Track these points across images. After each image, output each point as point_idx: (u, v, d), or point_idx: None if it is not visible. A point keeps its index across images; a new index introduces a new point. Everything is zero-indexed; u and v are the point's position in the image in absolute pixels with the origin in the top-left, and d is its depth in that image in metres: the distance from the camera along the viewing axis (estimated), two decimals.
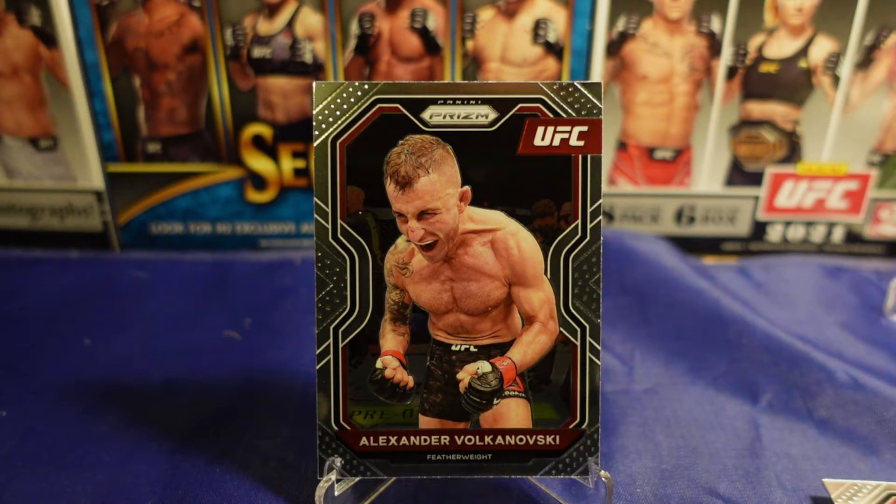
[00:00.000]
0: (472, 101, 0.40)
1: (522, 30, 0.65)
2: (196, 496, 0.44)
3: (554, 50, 0.66)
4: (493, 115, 0.40)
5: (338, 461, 0.41)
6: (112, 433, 0.49)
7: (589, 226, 0.40)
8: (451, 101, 0.40)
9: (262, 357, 0.57)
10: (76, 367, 0.55)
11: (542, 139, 0.40)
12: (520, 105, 0.40)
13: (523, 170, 0.40)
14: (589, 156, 0.40)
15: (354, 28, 0.65)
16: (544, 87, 0.40)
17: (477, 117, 0.40)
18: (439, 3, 0.64)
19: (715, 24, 0.65)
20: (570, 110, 0.40)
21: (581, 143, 0.40)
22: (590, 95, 0.40)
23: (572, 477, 0.42)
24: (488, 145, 0.40)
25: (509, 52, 0.66)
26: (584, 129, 0.40)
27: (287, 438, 0.48)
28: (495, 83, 0.40)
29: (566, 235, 0.40)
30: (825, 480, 0.44)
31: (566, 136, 0.40)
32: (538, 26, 0.65)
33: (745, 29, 0.65)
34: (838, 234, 0.73)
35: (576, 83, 0.40)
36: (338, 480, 0.41)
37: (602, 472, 0.40)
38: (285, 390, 0.53)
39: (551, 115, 0.40)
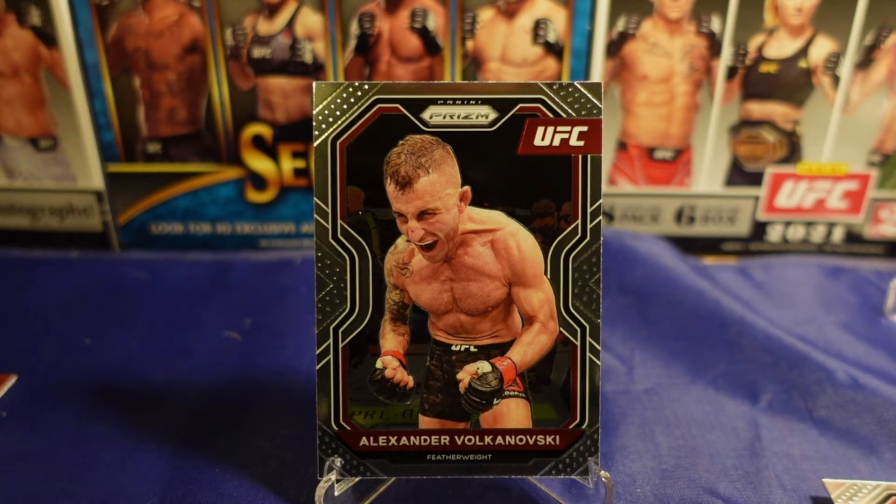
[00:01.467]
0: (472, 102, 0.40)
1: (522, 30, 0.65)
2: (196, 496, 0.44)
3: (554, 50, 0.66)
4: (493, 115, 0.40)
5: (338, 461, 0.41)
6: (112, 433, 0.49)
7: (589, 226, 0.40)
8: (451, 102, 0.40)
9: (263, 357, 0.57)
10: (76, 367, 0.55)
11: (542, 139, 0.40)
12: (520, 105, 0.40)
13: (523, 170, 0.40)
14: (589, 156, 0.40)
15: (354, 28, 0.65)
16: (544, 88, 0.40)
17: (477, 117, 0.40)
18: (439, 3, 0.64)
19: (715, 24, 0.65)
20: (570, 110, 0.40)
21: (581, 143, 0.40)
22: (590, 95, 0.40)
23: (572, 477, 0.42)
24: (488, 145, 0.40)
25: (509, 52, 0.66)
26: (584, 129, 0.40)
27: (287, 438, 0.48)
28: (495, 83, 0.40)
29: (566, 235, 0.40)
30: (825, 480, 0.44)
31: (566, 136, 0.40)
32: (538, 26, 0.65)
33: (745, 29, 0.65)
34: (838, 234, 0.73)
35: (576, 83, 0.40)
36: (338, 480, 0.41)
37: (602, 472, 0.40)
38: (285, 390, 0.53)
39: (551, 116, 0.40)
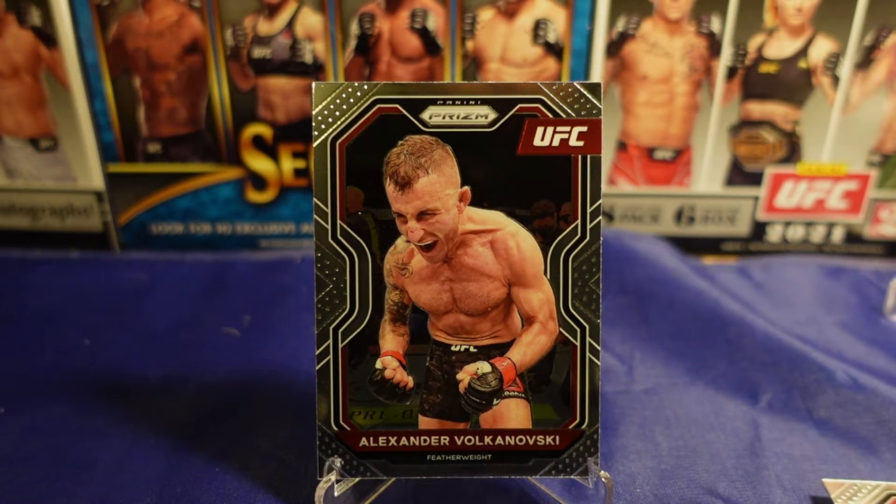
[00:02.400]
0: (471, 102, 0.40)
1: (522, 30, 0.65)
2: (195, 496, 0.44)
3: (554, 50, 0.66)
4: (492, 115, 0.40)
5: (338, 462, 0.41)
6: (111, 432, 0.49)
7: (589, 226, 0.40)
8: (450, 102, 0.40)
9: (263, 357, 0.57)
10: (76, 367, 0.55)
11: (542, 139, 0.40)
12: (519, 105, 0.40)
13: (523, 170, 0.40)
14: (588, 156, 0.40)
15: (354, 28, 0.65)
16: (544, 88, 0.40)
17: (476, 118, 0.40)
18: (439, 3, 0.64)
19: (715, 25, 0.65)
20: (569, 110, 0.40)
21: (580, 144, 0.40)
22: (589, 96, 0.40)
23: (572, 477, 0.42)
24: (488, 145, 0.40)
25: (509, 52, 0.66)
26: (584, 129, 0.40)
27: (287, 438, 0.48)
28: (495, 83, 0.40)
29: (566, 236, 0.40)
30: (825, 480, 0.44)
31: (566, 136, 0.40)
32: (538, 26, 0.65)
33: (744, 29, 0.65)
34: (838, 235, 0.73)
35: (575, 83, 0.40)
36: (337, 481, 0.41)
37: (602, 473, 0.40)
38: (285, 390, 0.53)
39: (551, 116, 0.40)
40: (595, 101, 0.40)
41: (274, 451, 0.47)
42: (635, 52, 0.66)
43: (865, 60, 0.66)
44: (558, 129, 0.40)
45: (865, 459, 0.48)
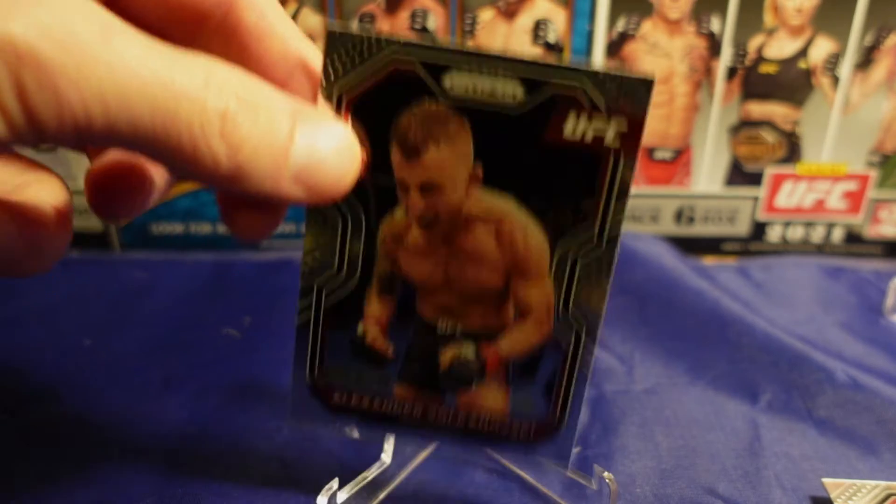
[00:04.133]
0: (500, 74, 0.34)
1: (522, 30, 0.65)
2: (195, 496, 0.44)
3: (554, 50, 0.66)
4: (521, 95, 0.34)
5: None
6: (111, 431, 0.49)
7: (607, 229, 0.37)
8: (476, 70, 0.34)
9: (263, 357, 0.57)
10: (76, 367, 0.55)
11: (574, 132, 0.35)
12: (555, 90, 0.34)
13: (546, 160, 0.35)
14: (622, 158, 0.35)
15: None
16: (587, 74, 0.33)
17: (503, 96, 0.34)
18: (439, 3, 0.64)
19: (715, 25, 0.65)
20: (611, 105, 0.34)
21: (616, 144, 0.35)
22: (639, 90, 0.34)
23: (574, 478, 0.42)
24: (511, 128, 0.35)
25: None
26: (624, 128, 0.34)
27: (287, 439, 0.48)
28: (532, 59, 0.33)
29: (580, 234, 0.37)
30: (825, 480, 0.44)
31: (601, 133, 0.35)
32: (538, 27, 0.65)
33: (744, 29, 0.65)
34: (838, 235, 0.73)
35: (626, 73, 0.33)
36: (339, 488, 0.41)
37: (606, 474, 0.40)
38: (285, 390, 0.53)
39: (589, 107, 0.34)
40: (644, 99, 0.34)
41: (274, 451, 0.47)
42: (635, 53, 0.66)
43: (865, 60, 0.66)
44: (594, 122, 0.34)
45: (865, 459, 0.48)
